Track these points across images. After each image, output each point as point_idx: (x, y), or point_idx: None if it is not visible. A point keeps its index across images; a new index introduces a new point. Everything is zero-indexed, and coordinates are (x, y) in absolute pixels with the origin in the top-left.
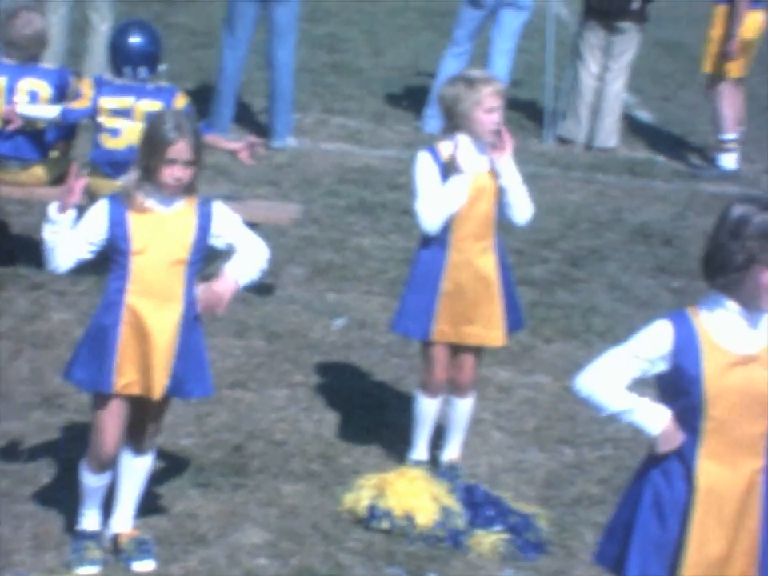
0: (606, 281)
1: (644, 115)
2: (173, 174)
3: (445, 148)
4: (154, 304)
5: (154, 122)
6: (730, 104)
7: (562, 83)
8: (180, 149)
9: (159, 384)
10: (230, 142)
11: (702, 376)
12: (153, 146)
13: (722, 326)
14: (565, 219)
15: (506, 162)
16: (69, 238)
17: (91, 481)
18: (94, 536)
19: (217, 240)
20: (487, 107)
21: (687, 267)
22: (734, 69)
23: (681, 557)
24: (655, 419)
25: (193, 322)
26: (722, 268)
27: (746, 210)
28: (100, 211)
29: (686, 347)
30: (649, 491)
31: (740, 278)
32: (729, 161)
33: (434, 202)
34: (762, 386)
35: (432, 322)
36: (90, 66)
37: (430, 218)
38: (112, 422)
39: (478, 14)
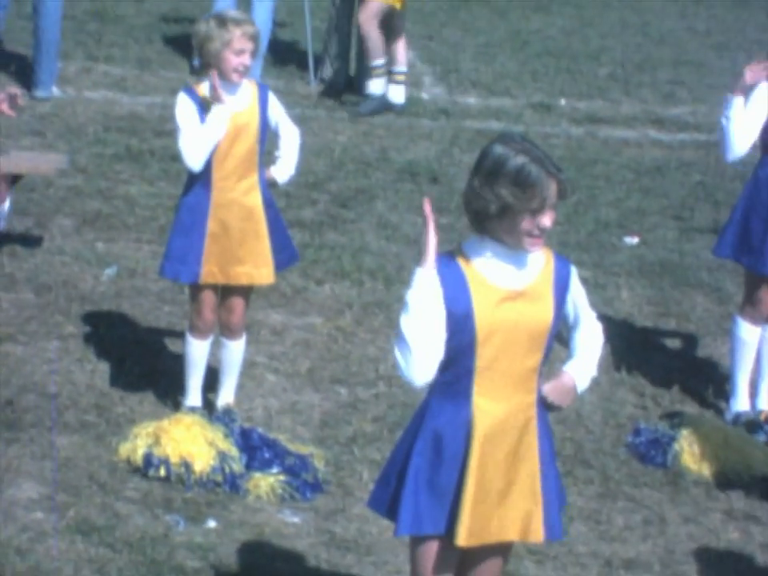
0: (375, 220)
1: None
2: None
3: (203, 88)
4: None
5: None
6: (377, 28)
7: (324, 25)
8: None
9: None
10: None
11: (472, 313)
12: None
13: (488, 264)
14: (332, 160)
15: (272, 107)
16: None
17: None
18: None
19: None
20: (237, 48)
21: (454, 204)
22: None
23: (460, 499)
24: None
25: None
26: (480, 214)
27: (500, 153)
28: None
29: (453, 286)
30: (424, 434)
31: (498, 223)
32: (376, 86)
33: (195, 138)
34: (531, 320)
35: (200, 264)
36: None
37: (192, 155)
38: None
39: None
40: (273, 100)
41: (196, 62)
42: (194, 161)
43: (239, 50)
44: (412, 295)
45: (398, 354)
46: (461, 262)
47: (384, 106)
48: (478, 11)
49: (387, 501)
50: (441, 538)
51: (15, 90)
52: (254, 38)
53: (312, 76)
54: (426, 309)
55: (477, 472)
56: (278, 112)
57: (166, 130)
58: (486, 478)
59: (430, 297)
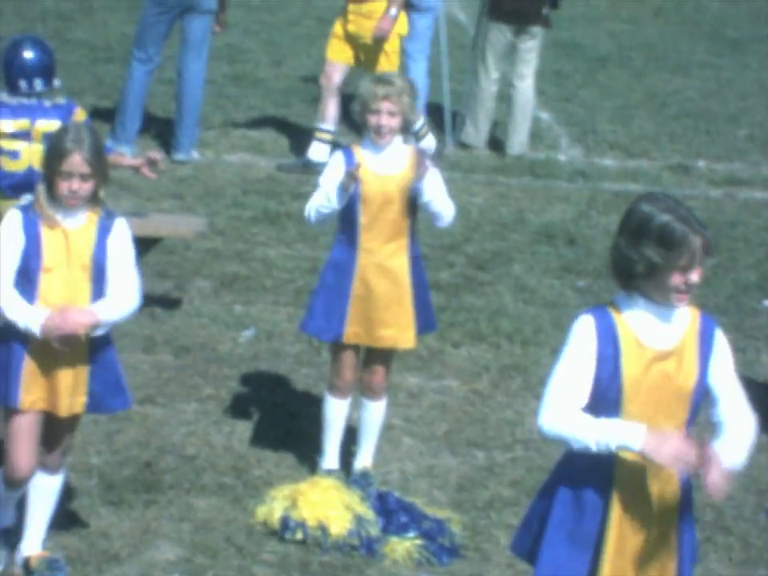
0: (512, 282)
1: (544, 116)
2: (69, 187)
3: (358, 150)
4: None
5: (55, 134)
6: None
7: (463, 87)
8: (75, 162)
9: (68, 403)
10: (130, 159)
11: (621, 371)
12: (51, 158)
13: (638, 321)
14: (469, 222)
15: (429, 180)
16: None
17: (3, 495)
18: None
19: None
20: (373, 108)
21: (592, 266)
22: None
23: (601, 552)
24: (633, 435)
25: (103, 337)
26: (626, 273)
27: (645, 212)
28: (14, 224)
29: (606, 341)
30: (566, 484)
31: (645, 281)
32: (317, 153)
33: (322, 198)
34: (677, 380)
35: (343, 324)
36: None
37: (307, 209)
38: (25, 438)
39: None
40: (432, 172)
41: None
42: (306, 215)
43: (375, 110)
44: (605, 434)
45: (551, 423)
46: (614, 315)
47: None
48: (616, 73)
49: (528, 545)
50: None
51: (156, 154)
52: (390, 98)
53: (449, 138)
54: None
55: (618, 525)
56: (433, 187)
57: (304, 192)
58: (626, 531)
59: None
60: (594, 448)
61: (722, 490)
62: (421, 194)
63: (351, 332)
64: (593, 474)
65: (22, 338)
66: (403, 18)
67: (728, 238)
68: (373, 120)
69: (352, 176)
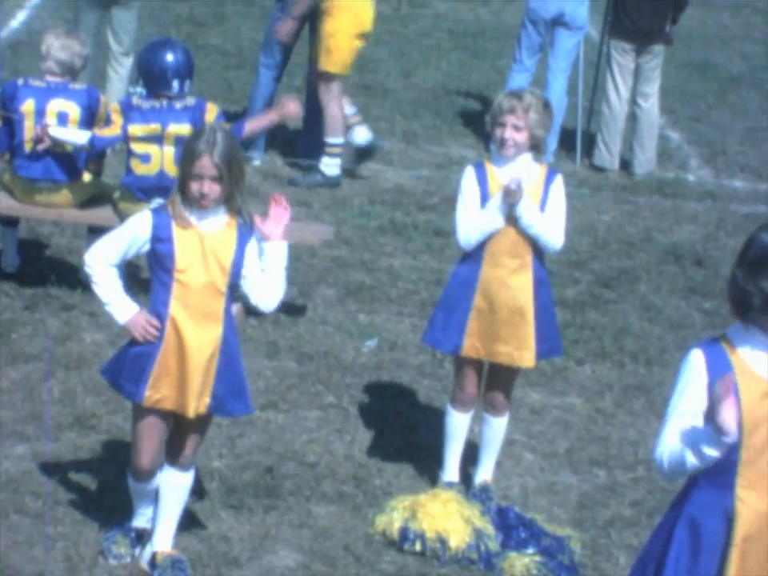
0: (638, 302)
1: (674, 135)
2: (200, 189)
3: (493, 169)
4: (194, 322)
5: (191, 136)
6: (338, 104)
7: (592, 104)
8: (205, 164)
9: (195, 403)
10: (260, 119)
11: (739, 405)
12: (184, 160)
13: (753, 353)
14: (596, 240)
15: (523, 206)
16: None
17: (135, 487)
18: (130, 532)
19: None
20: (500, 122)
21: (719, 288)
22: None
23: None
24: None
25: (232, 341)
26: (743, 306)
27: (765, 242)
28: (144, 222)
29: (717, 374)
30: (683, 522)
31: (762, 315)
32: (330, 167)
33: (473, 221)
34: None
35: (462, 337)
36: (109, 95)
37: (466, 236)
38: (148, 434)
39: (535, 32)
40: (556, 187)
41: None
42: (466, 242)
43: (501, 122)
44: (706, 450)
45: (665, 458)
46: (727, 348)
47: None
48: (747, 94)
49: None
50: None
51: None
52: (516, 112)
53: (579, 155)
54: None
55: (738, 564)
56: (554, 201)
57: (430, 204)
58: (747, 571)
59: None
60: (701, 463)
61: None
62: (520, 217)
63: (469, 344)
64: (712, 514)
65: (161, 333)
66: (359, 14)
67: None
68: (498, 132)
69: (515, 190)
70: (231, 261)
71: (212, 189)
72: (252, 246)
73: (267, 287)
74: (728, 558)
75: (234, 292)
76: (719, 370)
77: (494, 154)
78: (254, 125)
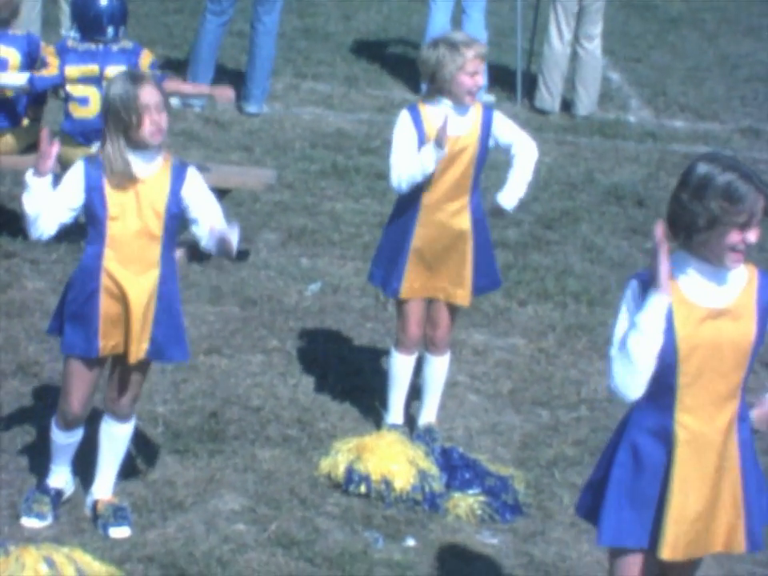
0: (579, 242)
1: (614, 76)
2: (152, 119)
3: (427, 111)
4: (130, 269)
5: (110, 86)
6: None
7: (533, 46)
8: (149, 92)
9: (135, 349)
10: (194, 86)
11: (673, 331)
12: (122, 101)
13: (689, 281)
14: (537, 181)
15: (499, 125)
16: (49, 204)
17: (59, 438)
18: (50, 491)
19: (185, 209)
20: (470, 70)
21: None
22: None
23: (663, 514)
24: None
25: (171, 286)
26: (686, 229)
27: (708, 169)
28: (76, 175)
29: None
30: (625, 446)
31: (704, 238)
32: None
33: (406, 165)
34: (733, 338)
35: (401, 280)
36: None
37: (399, 180)
38: (81, 382)
39: None
40: (500, 120)
41: (424, 87)
42: (397, 184)
43: (473, 71)
44: (646, 318)
45: (617, 369)
46: None
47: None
48: (688, 34)
49: (591, 508)
50: (642, 551)
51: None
52: (485, 58)
53: (519, 97)
54: (657, 332)
55: (679, 486)
56: (508, 131)
57: (372, 147)
58: (688, 492)
59: (662, 321)
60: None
61: None
62: (498, 143)
63: (408, 287)
64: (652, 438)
65: (96, 283)
66: None
67: None
68: (470, 81)
69: (443, 134)
70: (165, 205)
71: (161, 117)
72: (192, 188)
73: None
74: (670, 480)
75: (172, 238)
76: None
77: (436, 100)
78: (180, 87)
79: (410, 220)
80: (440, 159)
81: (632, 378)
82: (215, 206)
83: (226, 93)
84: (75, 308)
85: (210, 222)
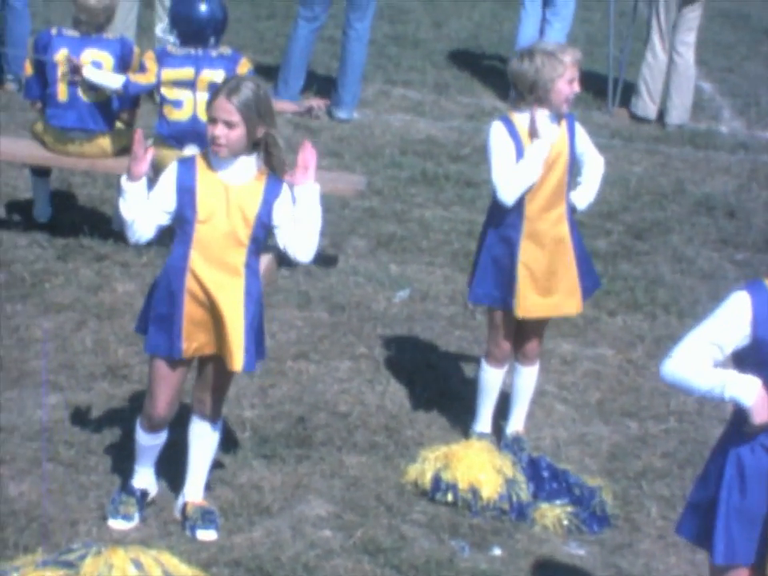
0: (670, 253)
1: (706, 86)
2: (212, 131)
3: (520, 120)
4: (215, 272)
5: (219, 84)
6: None
7: (623, 54)
8: (219, 106)
9: (237, 355)
10: (290, 105)
11: None
12: (206, 105)
13: None
14: (628, 191)
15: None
16: (144, 208)
17: (143, 439)
18: (136, 493)
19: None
20: (569, 78)
21: (751, 239)
22: None
23: None
24: (748, 389)
25: (254, 296)
26: None
27: None
28: (170, 177)
29: (765, 317)
30: (732, 463)
31: None
32: None
33: (511, 175)
34: None
35: (513, 295)
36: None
37: (508, 191)
38: (165, 384)
39: None
40: (579, 129)
41: (512, 95)
42: (509, 197)
43: (571, 78)
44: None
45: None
46: None
47: None
48: None
49: (699, 529)
50: (748, 567)
51: (320, 101)
52: (580, 64)
53: (610, 105)
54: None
55: None
56: (584, 140)
57: (462, 155)
58: None
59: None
60: (709, 395)
61: None
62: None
63: (522, 306)
64: (754, 452)
65: (180, 284)
66: None
67: None
68: (568, 89)
69: (535, 133)
70: (256, 213)
71: (223, 133)
72: (283, 201)
73: (302, 237)
74: None
75: (258, 246)
76: (764, 312)
77: (524, 108)
78: (283, 106)
79: (514, 233)
80: (544, 152)
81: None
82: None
83: (321, 105)
84: (159, 308)
85: (291, 229)
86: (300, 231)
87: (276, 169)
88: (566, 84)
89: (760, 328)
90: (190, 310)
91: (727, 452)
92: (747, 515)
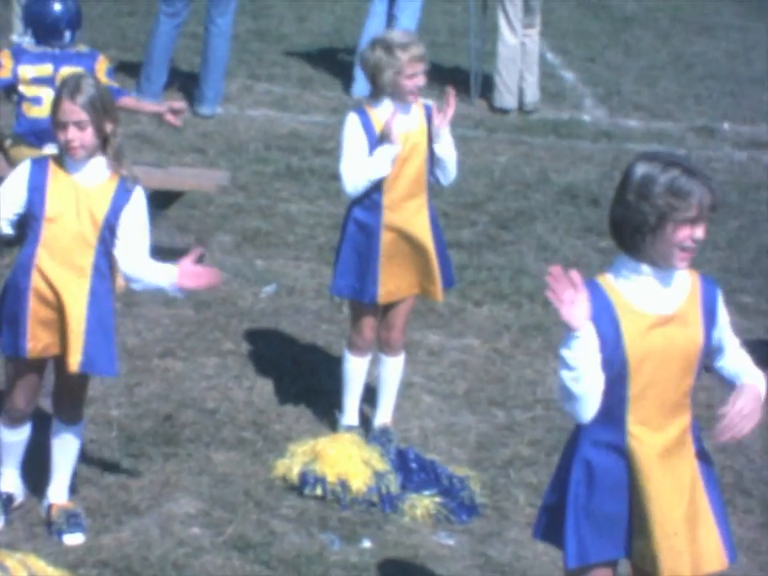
0: (534, 242)
1: (569, 75)
2: (65, 136)
3: (376, 114)
4: (61, 272)
5: (57, 86)
6: None
7: (487, 45)
8: (66, 109)
9: (72, 360)
10: (151, 104)
11: (622, 341)
12: (50, 110)
13: (635, 288)
14: (492, 181)
15: (446, 129)
16: None
17: (6, 436)
18: (1, 496)
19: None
20: (408, 73)
21: None
22: None
23: (645, 529)
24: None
25: (102, 298)
26: (633, 231)
27: (648, 168)
28: (21, 173)
29: (601, 315)
30: (579, 463)
31: (652, 238)
32: None
33: (358, 168)
34: (682, 345)
35: (377, 285)
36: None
37: (352, 183)
38: (21, 382)
39: None
40: (436, 112)
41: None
42: (353, 189)
43: (411, 74)
44: (573, 355)
45: (566, 399)
46: (606, 288)
47: None
48: (641, 34)
49: (549, 530)
50: (605, 565)
51: (179, 103)
52: (424, 58)
53: (473, 96)
54: (588, 364)
55: (655, 501)
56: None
57: (326, 148)
58: (663, 507)
59: (590, 352)
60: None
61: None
62: (436, 139)
63: (385, 291)
64: (606, 453)
65: (27, 282)
66: None
67: (752, 201)
68: (409, 84)
69: (390, 129)
70: (104, 215)
71: (76, 136)
72: (132, 207)
73: (450, 167)
74: (641, 495)
75: (107, 248)
76: (598, 309)
77: (381, 101)
78: (134, 103)
79: (374, 224)
80: (396, 157)
81: (584, 409)
82: (145, 238)
83: (174, 121)
84: (9, 308)
85: (132, 248)
86: (448, 163)
87: (115, 161)
88: (405, 79)
89: (598, 326)
90: (36, 309)
91: (574, 452)
92: (599, 514)
